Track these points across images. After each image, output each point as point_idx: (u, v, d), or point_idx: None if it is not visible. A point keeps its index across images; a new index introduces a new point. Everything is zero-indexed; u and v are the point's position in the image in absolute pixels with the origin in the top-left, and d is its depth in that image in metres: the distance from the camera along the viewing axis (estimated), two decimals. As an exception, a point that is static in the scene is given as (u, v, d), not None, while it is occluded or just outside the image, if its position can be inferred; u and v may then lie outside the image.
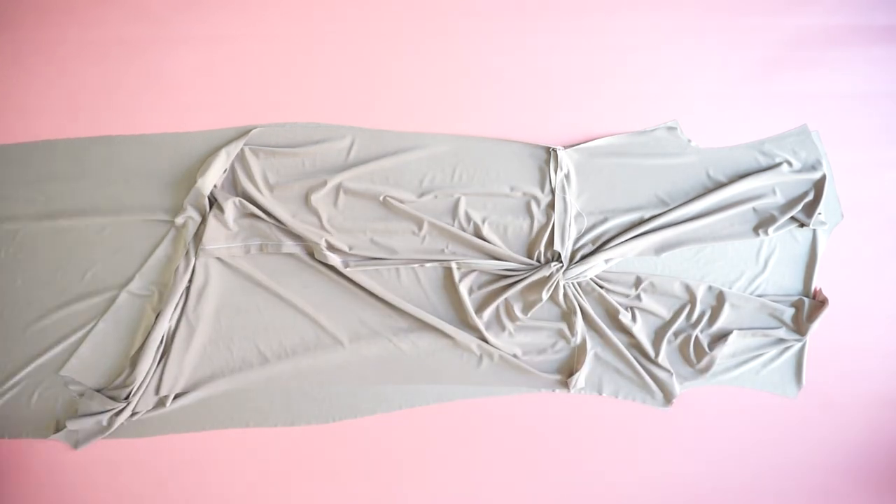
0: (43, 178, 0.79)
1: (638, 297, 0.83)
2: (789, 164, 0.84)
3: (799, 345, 0.84)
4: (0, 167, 0.80)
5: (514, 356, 0.82)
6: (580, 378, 0.82)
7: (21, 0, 0.81)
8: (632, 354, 0.83)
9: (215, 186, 0.79)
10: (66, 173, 0.79)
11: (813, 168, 0.84)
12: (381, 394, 0.82)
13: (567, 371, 0.83)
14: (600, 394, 0.83)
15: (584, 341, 0.82)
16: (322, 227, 0.80)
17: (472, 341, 0.81)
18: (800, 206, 0.83)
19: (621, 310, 0.82)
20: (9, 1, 0.81)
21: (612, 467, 0.84)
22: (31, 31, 0.81)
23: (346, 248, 0.81)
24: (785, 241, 0.84)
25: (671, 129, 0.84)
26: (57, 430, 0.79)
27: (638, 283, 0.82)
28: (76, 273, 0.79)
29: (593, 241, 0.82)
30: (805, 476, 0.84)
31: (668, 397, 0.83)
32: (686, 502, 0.83)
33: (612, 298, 0.82)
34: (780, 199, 0.84)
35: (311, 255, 0.80)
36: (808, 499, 0.83)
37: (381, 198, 0.80)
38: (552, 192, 0.82)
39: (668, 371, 0.83)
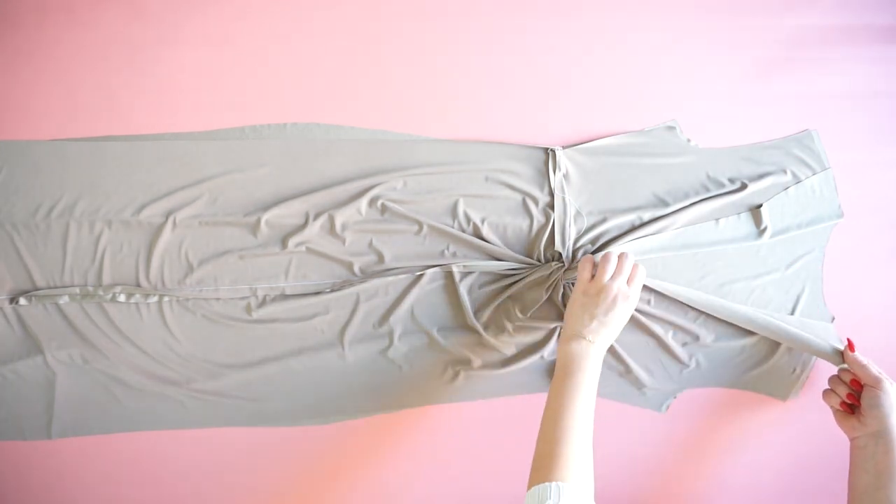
0: (42, 177, 0.79)
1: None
2: (791, 168, 0.84)
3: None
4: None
5: (507, 358, 0.82)
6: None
7: (21, 1, 0.81)
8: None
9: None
10: (66, 173, 0.79)
11: (813, 170, 0.84)
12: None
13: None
14: (598, 396, 0.83)
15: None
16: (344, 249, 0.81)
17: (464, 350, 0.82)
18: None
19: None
20: (9, 2, 0.81)
21: (610, 468, 0.84)
22: (32, 31, 0.81)
23: (357, 271, 0.81)
24: (785, 242, 0.84)
25: (670, 128, 0.84)
26: None
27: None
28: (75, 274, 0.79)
29: (592, 241, 0.82)
30: (805, 476, 0.83)
31: (663, 401, 0.83)
32: (683, 503, 0.84)
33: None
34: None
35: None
36: (807, 499, 0.83)
37: (378, 202, 0.80)
38: (551, 192, 0.82)
39: (666, 374, 0.83)
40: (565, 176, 0.82)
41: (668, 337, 0.82)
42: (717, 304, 0.80)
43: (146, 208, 0.79)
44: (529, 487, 0.59)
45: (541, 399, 0.84)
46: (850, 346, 0.76)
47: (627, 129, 0.84)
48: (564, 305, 0.81)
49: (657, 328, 0.82)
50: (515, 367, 0.82)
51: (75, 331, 0.79)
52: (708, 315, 0.82)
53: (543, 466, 0.60)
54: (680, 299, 0.80)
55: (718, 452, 0.84)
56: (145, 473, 0.81)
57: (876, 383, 0.69)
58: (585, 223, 0.82)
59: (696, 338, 0.82)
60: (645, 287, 0.80)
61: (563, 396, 0.65)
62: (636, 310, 0.81)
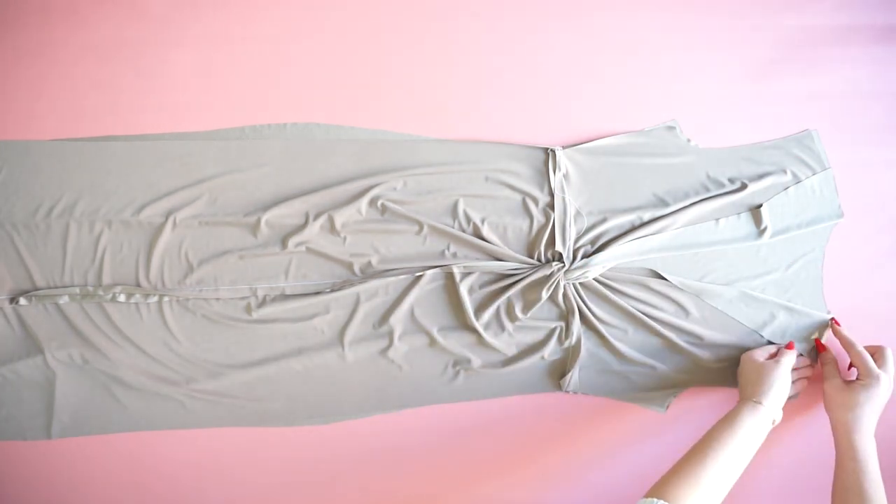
0: (42, 177, 0.79)
1: (639, 298, 0.83)
2: (791, 168, 0.84)
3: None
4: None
5: (507, 358, 0.82)
6: (573, 378, 0.82)
7: (23, 2, 0.81)
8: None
9: None
10: (66, 173, 0.79)
11: (813, 170, 0.84)
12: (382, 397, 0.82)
13: (562, 371, 0.83)
14: (598, 395, 0.83)
15: (578, 342, 0.82)
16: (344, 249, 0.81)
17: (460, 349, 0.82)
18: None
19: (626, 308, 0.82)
20: (11, 3, 0.81)
21: (609, 468, 0.84)
22: (34, 31, 0.81)
23: (357, 271, 0.81)
24: (785, 242, 0.84)
25: (670, 128, 0.84)
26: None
27: (639, 283, 0.82)
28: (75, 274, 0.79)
29: (592, 241, 0.82)
30: (805, 475, 0.83)
31: (664, 401, 0.83)
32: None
33: (614, 298, 0.82)
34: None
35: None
36: (808, 498, 0.83)
37: (379, 202, 0.80)
38: (551, 192, 0.82)
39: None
40: (565, 176, 0.82)
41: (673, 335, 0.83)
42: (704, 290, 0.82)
43: (146, 208, 0.79)
44: (646, 496, 0.62)
45: (540, 399, 0.84)
46: (836, 323, 0.83)
47: (627, 129, 0.84)
48: (565, 305, 0.81)
49: (664, 330, 0.82)
50: (515, 367, 0.82)
51: (75, 331, 0.79)
52: (707, 315, 0.83)
53: (668, 483, 0.63)
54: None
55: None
56: (145, 473, 0.81)
57: (875, 349, 0.78)
58: (585, 223, 0.82)
59: (700, 338, 0.83)
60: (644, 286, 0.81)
61: (721, 436, 0.68)
62: (643, 313, 0.82)
